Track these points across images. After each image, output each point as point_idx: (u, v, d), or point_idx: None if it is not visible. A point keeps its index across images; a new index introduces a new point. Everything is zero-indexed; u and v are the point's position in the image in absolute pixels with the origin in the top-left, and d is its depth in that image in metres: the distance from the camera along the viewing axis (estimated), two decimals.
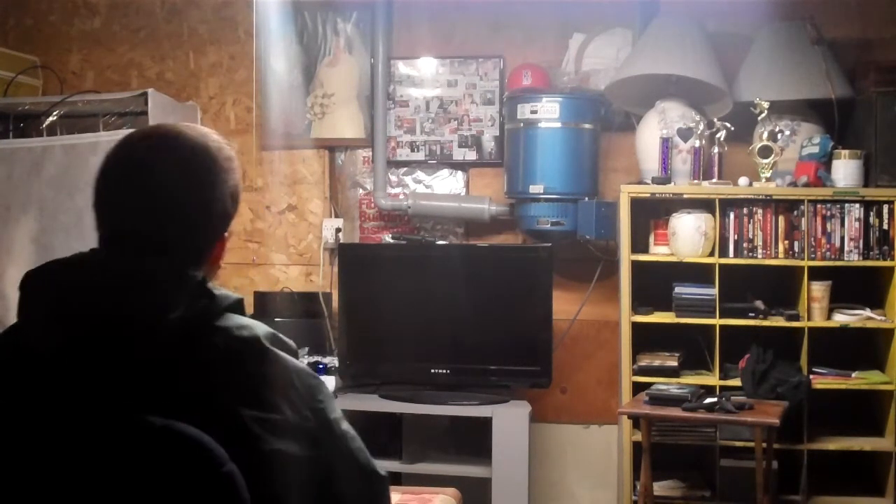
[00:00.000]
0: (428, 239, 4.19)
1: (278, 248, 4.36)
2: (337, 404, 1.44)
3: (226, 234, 1.43)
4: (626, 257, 3.71)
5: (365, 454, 1.43)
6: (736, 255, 3.69)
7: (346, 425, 1.41)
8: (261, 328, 1.35)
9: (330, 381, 3.77)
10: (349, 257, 4.07)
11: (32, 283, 1.35)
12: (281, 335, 1.38)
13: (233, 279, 4.37)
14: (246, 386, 1.31)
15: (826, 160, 3.70)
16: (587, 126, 3.96)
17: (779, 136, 3.77)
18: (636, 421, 3.60)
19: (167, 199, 1.36)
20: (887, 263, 3.60)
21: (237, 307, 1.36)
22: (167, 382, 1.28)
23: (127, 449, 1.24)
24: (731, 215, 3.69)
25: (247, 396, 1.30)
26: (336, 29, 4.30)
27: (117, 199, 1.37)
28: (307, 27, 4.30)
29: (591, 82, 4.13)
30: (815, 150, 3.70)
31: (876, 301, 3.70)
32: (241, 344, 1.32)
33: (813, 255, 3.64)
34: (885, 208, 3.61)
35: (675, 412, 3.33)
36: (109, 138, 3.86)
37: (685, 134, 3.79)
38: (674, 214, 3.71)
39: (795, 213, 3.66)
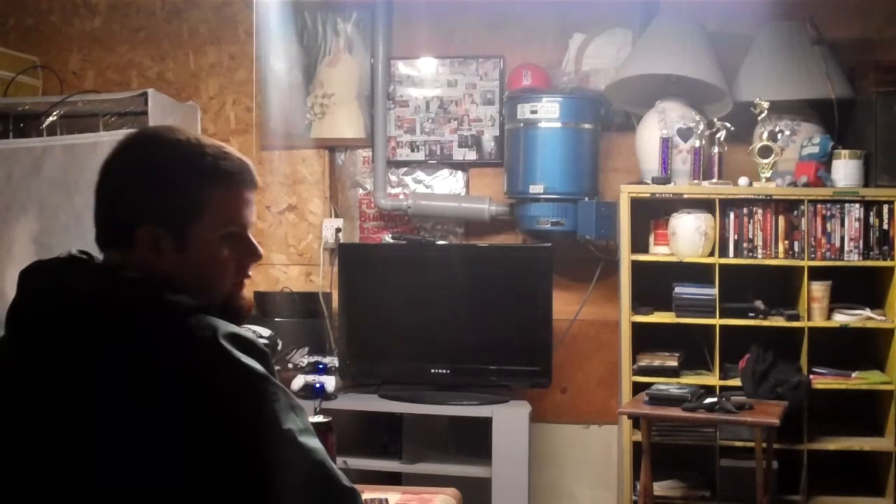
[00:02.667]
0: (428, 239, 4.19)
1: (278, 248, 4.36)
2: (302, 417, 1.33)
3: (148, 225, 1.36)
4: (626, 257, 3.71)
5: (326, 469, 1.33)
6: (736, 255, 3.69)
7: (304, 437, 1.31)
8: (220, 326, 1.30)
9: (330, 381, 3.78)
10: (349, 257, 4.07)
11: (20, 280, 1.37)
12: (246, 335, 1.33)
13: None
14: (188, 387, 1.25)
15: (826, 160, 3.70)
16: (587, 126, 3.96)
17: (779, 136, 3.77)
18: (636, 421, 3.60)
19: (103, 185, 1.40)
20: (887, 263, 3.60)
21: (176, 306, 1.31)
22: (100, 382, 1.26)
23: None
24: (731, 215, 3.69)
25: (188, 398, 1.25)
26: (336, 29, 4.30)
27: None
28: (307, 27, 4.30)
29: (591, 82, 4.13)
30: (815, 150, 3.70)
31: (876, 301, 3.70)
32: (191, 343, 1.28)
33: (813, 255, 3.64)
34: (885, 208, 3.61)
35: (675, 412, 3.33)
36: (109, 138, 3.86)
37: (685, 134, 3.79)
38: (674, 214, 3.71)
39: (795, 213, 3.66)
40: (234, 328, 1.32)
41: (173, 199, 1.37)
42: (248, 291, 1.45)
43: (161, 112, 3.97)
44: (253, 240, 1.45)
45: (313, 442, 1.32)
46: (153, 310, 1.30)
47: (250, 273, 1.47)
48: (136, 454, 1.23)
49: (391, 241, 4.15)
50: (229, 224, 1.40)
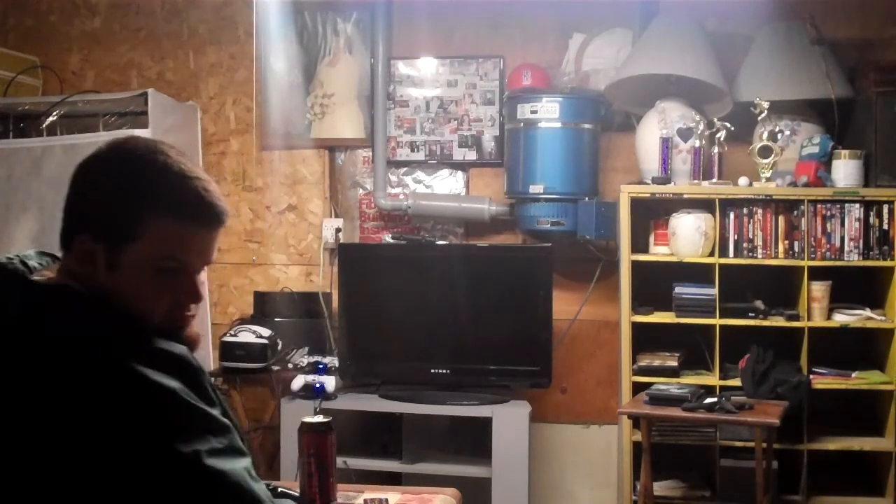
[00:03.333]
0: (428, 239, 4.19)
1: (278, 248, 4.37)
2: (219, 438, 1.28)
3: (85, 236, 1.35)
4: (626, 257, 3.71)
5: (240, 492, 1.26)
6: (736, 255, 3.69)
7: (212, 459, 1.25)
8: (145, 345, 1.27)
9: (330, 381, 3.78)
10: (349, 257, 4.06)
11: None
12: (171, 350, 1.29)
13: (233, 279, 4.37)
14: (84, 404, 1.22)
15: (826, 160, 3.69)
16: (587, 126, 3.96)
17: (779, 136, 3.77)
18: (636, 421, 3.60)
19: (70, 185, 1.40)
20: (887, 263, 3.60)
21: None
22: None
23: None
24: (731, 215, 3.69)
25: (81, 415, 1.22)
26: (336, 29, 4.30)
27: None
28: (307, 27, 4.30)
29: (591, 82, 4.13)
30: (815, 150, 3.70)
31: (876, 301, 3.70)
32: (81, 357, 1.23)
33: (813, 255, 3.64)
34: (885, 208, 3.61)
35: (675, 412, 3.33)
36: (109, 138, 3.86)
37: (685, 134, 3.79)
38: (674, 214, 3.71)
39: (795, 213, 3.66)
40: (160, 345, 1.28)
41: (113, 216, 1.33)
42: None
43: (161, 112, 3.97)
44: (196, 281, 1.39)
45: (226, 464, 1.26)
46: (75, 322, 1.27)
47: (192, 312, 1.40)
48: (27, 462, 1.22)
49: (391, 241, 4.15)
50: (168, 258, 1.34)
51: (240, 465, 1.28)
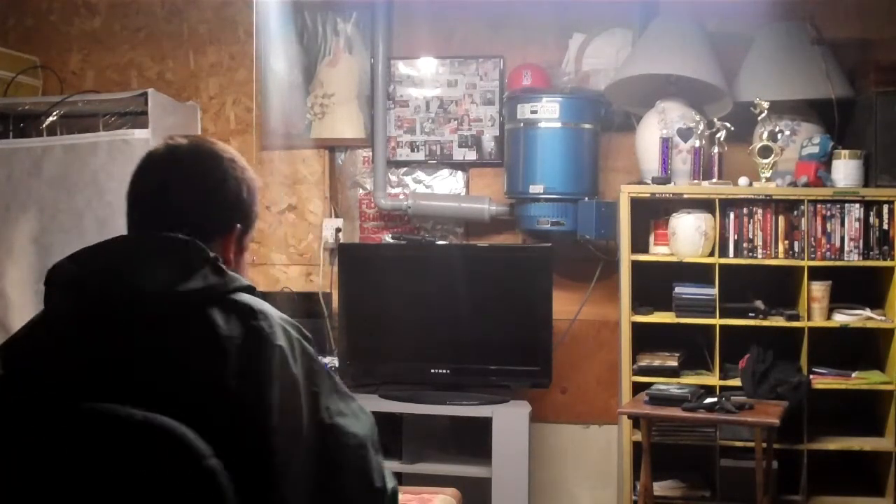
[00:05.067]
0: (428, 239, 4.19)
1: (278, 248, 4.36)
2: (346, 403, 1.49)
3: (234, 229, 1.55)
4: (626, 257, 3.71)
5: (367, 461, 1.48)
6: (736, 255, 3.69)
7: (345, 421, 1.45)
8: (275, 310, 1.46)
9: None
10: (349, 257, 4.07)
11: (55, 271, 1.43)
12: (294, 322, 1.49)
13: None
14: (257, 363, 1.35)
15: (826, 160, 3.69)
16: (587, 126, 3.96)
17: (779, 136, 3.77)
18: (636, 421, 3.60)
19: (185, 188, 1.52)
20: (887, 263, 3.60)
21: (251, 290, 1.46)
22: (180, 355, 1.34)
23: (107, 443, 1.27)
24: (731, 215, 3.69)
25: (255, 376, 1.34)
26: (336, 29, 4.30)
27: (146, 188, 1.52)
28: (307, 27, 4.30)
29: (591, 82, 4.13)
30: (815, 150, 3.70)
31: (876, 301, 3.70)
32: (259, 321, 1.40)
33: (813, 255, 3.64)
34: (885, 208, 3.61)
35: (675, 412, 3.33)
36: (109, 138, 3.87)
37: (685, 134, 3.79)
38: (674, 214, 3.71)
39: (795, 213, 3.66)
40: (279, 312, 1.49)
41: (250, 205, 1.58)
42: None
43: (161, 112, 3.96)
44: None
45: (352, 425, 1.48)
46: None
47: None
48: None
49: (391, 241, 4.15)
50: (253, 235, 1.62)
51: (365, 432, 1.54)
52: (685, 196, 3.71)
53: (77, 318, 1.37)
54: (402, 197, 4.21)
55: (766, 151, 3.69)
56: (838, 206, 3.63)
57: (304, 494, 1.36)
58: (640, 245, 3.80)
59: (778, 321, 3.65)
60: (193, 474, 1.24)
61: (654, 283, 3.75)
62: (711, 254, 3.68)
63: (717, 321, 3.64)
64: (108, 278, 1.38)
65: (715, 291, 3.64)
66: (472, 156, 4.24)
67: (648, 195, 3.74)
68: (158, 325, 1.35)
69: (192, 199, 1.51)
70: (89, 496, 1.27)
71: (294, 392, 1.38)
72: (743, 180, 3.70)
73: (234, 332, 1.36)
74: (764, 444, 3.29)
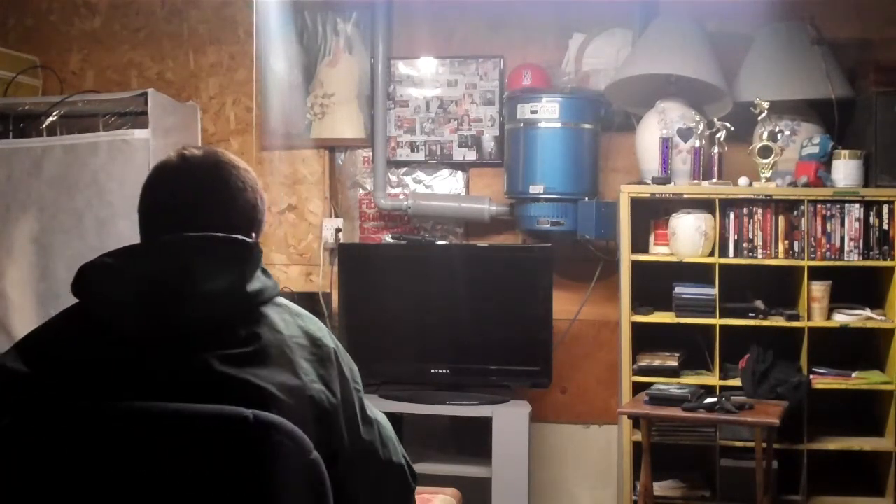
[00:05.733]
0: (428, 239, 4.19)
1: (278, 248, 4.36)
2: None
3: (251, 238, 1.58)
4: (626, 257, 3.71)
5: (398, 448, 1.61)
6: (736, 255, 3.69)
7: (375, 412, 1.58)
8: (308, 314, 1.56)
9: None
10: (349, 257, 4.07)
11: (94, 273, 1.42)
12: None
13: None
14: (314, 362, 1.44)
15: (826, 160, 3.69)
16: (587, 126, 3.96)
17: (779, 136, 3.77)
18: (636, 421, 3.60)
19: (208, 198, 1.54)
20: (887, 263, 3.60)
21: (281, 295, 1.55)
22: (247, 352, 1.38)
23: (218, 439, 1.30)
24: (731, 215, 3.69)
25: (312, 373, 1.43)
26: (336, 29, 4.30)
27: (166, 202, 1.53)
28: (307, 27, 4.30)
29: (591, 82, 4.13)
30: (815, 150, 3.70)
31: (876, 301, 3.70)
32: (307, 323, 1.49)
33: (813, 255, 3.63)
34: (885, 208, 3.61)
35: (675, 412, 3.33)
36: (109, 138, 3.87)
37: (685, 134, 3.79)
38: (674, 214, 3.71)
39: (795, 213, 3.66)
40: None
41: (264, 217, 1.63)
42: None
43: (161, 112, 3.96)
44: None
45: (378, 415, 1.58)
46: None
47: None
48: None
49: (391, 241, 4.15)
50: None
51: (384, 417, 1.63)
52: (685, 196, 3.71)
53: (140, 316, 1.37)
54: (402, 197, 4.21)
55: (766, 151, 3.69)
56: (838, 206, 3.63)
57: (364, 481, 1.50)
58: (640, 245, 3.80)
59: (778, 321, 3.65)
60: (301, 467, 1.31)
61: (654, 283, 3.75)
62: (711, 254, 3.68)
63: (717, 321, 3.64)
64: (178, 277, 1.39)
65: (715, 291, 3.64)
66: (472, 156, 4.24)
67: (648, 195, 3.74)
68: (226, 324, 1.39)
69: (214, 210, 1.52)
70: (202, 491, 1.30)
71: (348, 388, 1.48)
72: (743, 180, 3.70)
73: (292, 331, 1.44)
74: (764, 444, 3.29)
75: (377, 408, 1.63)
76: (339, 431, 1.44)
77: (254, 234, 1.59)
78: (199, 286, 1.38)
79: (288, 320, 1.46)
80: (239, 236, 1.48)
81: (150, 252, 1.45)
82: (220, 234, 1.45)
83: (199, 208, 1.51)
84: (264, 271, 1.48)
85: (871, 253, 3.63)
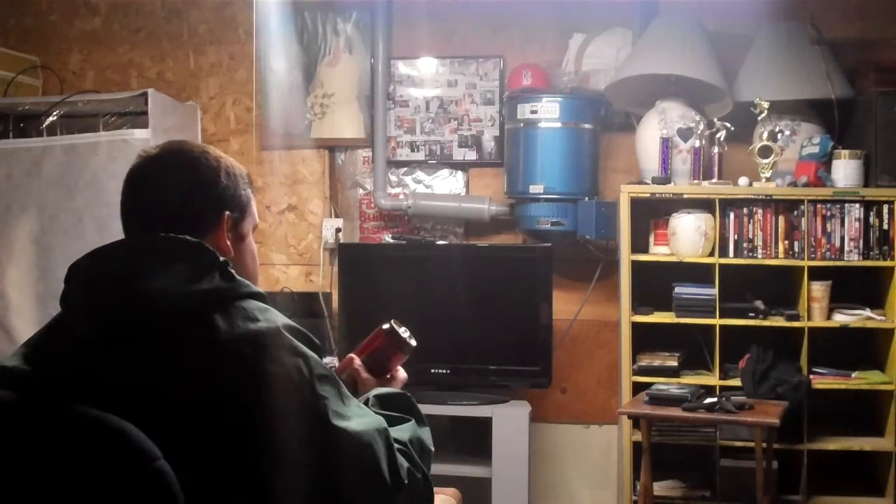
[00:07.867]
0: (428, 239, 4.18)
1: (278, 248, 4.36)
2: (350, 407, 1.47)
3: (224, 217, 1.54)
4: (626, 257, 3.71)
5: (376, 459, 1.45)
6: (736, 255, 3.69)
7: (350, 423, 1.43)
8: (280, 317, 1.47)
9: None
10: (349, 257, 4.07)
11: (74, 271, 1.45)
12: (301, 328, 1.50)
13: None
14: (256, 369, 1.37)
15: (826, 160, 3.69)
16: (587, 126, 3.96)
17: (779, 136, 3.77)
18: (636, 421, 3.60)
19: (163, 190, 1.52)
20: (887, 263, 3.60)
21: (259, 297, 1.47)
22: (183, 356, 1.35)
23: (57, 441, 1.29)
24: (731, 215, 3.69)
25: (254, 381, 1.36)
26: (336, 29, 4.30)
27: (131, 198, 1.54)
28: (307, 27, 4.30)
29: (591, 82, 4.13)
30: (815, 150, 3.70)
31: (876, 301, 3.70)
32: (261, 327, 1.41)
33: (813, 255, 3.63)
34: (885, 208, 3.61)
35: (675, 412, 3.33)
36: (109, 138, 3.87)
37: (685, 134, 3.79)
38: (674, 214, 3.71)
39: (795, 213, 3.66)
40: (285, 318, 1.49)
41: (239, 194, 1.57)
42: None
43: (161, 112, 3.96)
44: None
45: (366, 426, 1.45)
46: (236, 295, 1.44)
47: None
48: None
49: (391, 241, 4.15)
50: (255, 221, 1.63)
51: (370, 427, 1.49)
52: (685, 196, 3.71)
53: (88, 317, 1.39)
54: (402, 197, 4.21)
55: (766, 151, 3.69)
56: (838, 206, 3.63)
57: (306, 497, 1.38)
58: (640, 245, 3.80)
59: (778, 321, 3.65)
60: (139, 474, 1.26)
61: (654, 283, 3.75)
62: (711, 254, 3.68)
63: (717, 321, 3.64)
64: (121, 277, 1.40)
65: (715, 291, 3.64)
66: (472, 156, 4.24)
67: (648, 195, 3.74)
68: (162, 326, 1.36)
69: (171, 198, 1.51)
70: (42, 495, 1.30)
71: (294, 396, 1.39)
72: (743, 180, 3.70)
73: (237, 335, 1.38)
74: (764, 444, 3.29)
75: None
76: (261, 441, 1.35)
77: (228, 213, 1.55)
78: (138, 286, 1.37)
79: (236, 324, 1.40)
80: (187, 237, 1.45)
81: (105, 253, 1.46)
82: (165, 234, 1.45)
83: (154, 203, 1.51)
84: (225, 273, 1.43)
85: (871, 253, 3.63)
